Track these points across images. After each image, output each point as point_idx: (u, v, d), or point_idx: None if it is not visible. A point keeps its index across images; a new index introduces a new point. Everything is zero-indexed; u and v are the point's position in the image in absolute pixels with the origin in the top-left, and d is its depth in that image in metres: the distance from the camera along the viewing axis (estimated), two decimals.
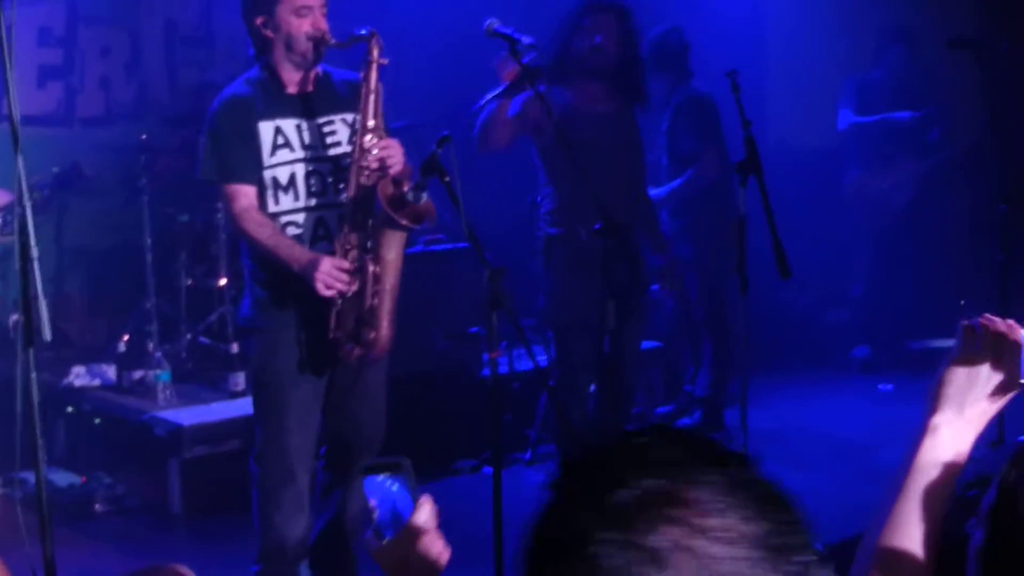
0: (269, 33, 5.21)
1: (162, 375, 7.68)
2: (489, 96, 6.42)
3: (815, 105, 10.53)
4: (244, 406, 7.22)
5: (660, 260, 6.87)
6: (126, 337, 8.43)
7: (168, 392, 7.65)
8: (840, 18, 10.91)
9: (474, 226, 4.86)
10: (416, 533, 2.34)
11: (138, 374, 8.01)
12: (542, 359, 6.64)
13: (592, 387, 6.66)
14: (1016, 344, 2.25)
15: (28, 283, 3.97)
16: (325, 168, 5.23)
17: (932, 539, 2.20)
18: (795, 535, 1.37)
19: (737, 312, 6.45)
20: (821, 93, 10.46)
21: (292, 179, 5.18)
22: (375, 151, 5.05)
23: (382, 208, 5.01)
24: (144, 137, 8.67)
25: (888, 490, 2.26)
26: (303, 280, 5.01)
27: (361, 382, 5.34)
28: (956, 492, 2.28)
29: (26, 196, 3.94)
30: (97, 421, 7.77)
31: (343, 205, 5.13)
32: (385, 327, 5.12)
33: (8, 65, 3.93)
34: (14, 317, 8.57)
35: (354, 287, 5.02)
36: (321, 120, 5.27)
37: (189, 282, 8.63)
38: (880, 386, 9.40)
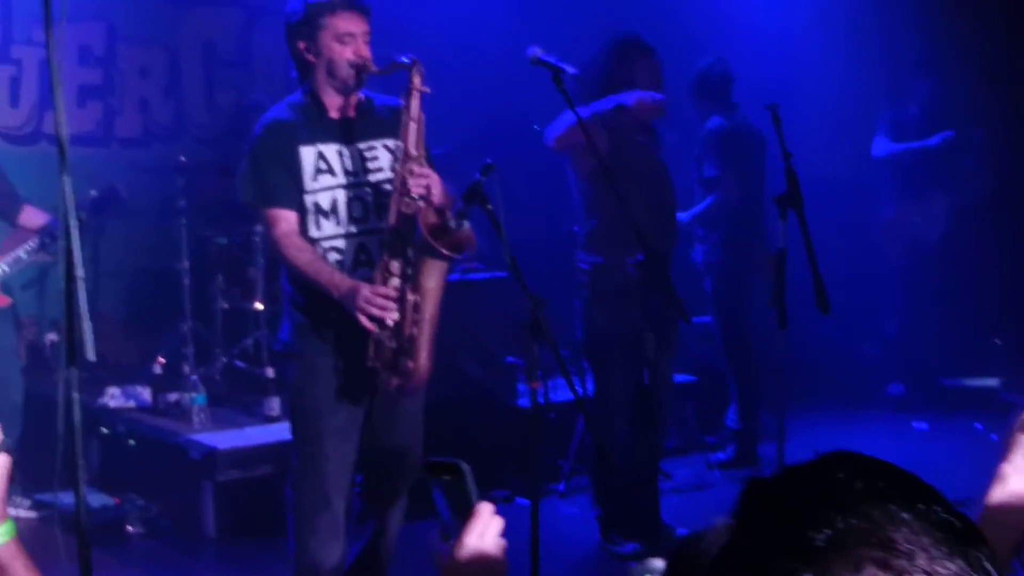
0: (311, 58, 5.22)
1: (197, 398, 7.68)
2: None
3: (848, 138, 10.52)
4: (278, 431, 7.26)
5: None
6: (161, 359, 8.43)
7: (203, 415, 7.65)
8: (873, 51, 10.92)
9: (515, 255, 4.84)
10: (477, 538, 2.32)
11: (173, 396, 8.01)
12: (579, 389, 6.62)
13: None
14: None
15: (73, 303, 3.94)
16: (367, 194, 5.22)
17: None
18: (986, 573, 1.34)
19: (774, 346, 6.42)
20: (854, 126, 10.47)
21: (334, 204, 5.18)
22: (417, 180, 5.03)
23: (423, 237, 4.99)
24: (183, 159, 8.67)
25: None
26: (342, 307, 5.00)
27: (399, 411, 5.32)
28: None
29: (72, 216, 3.92)
30: (132, 443, 7.77)
31: (384, 231, 5.11)
32: (424, 357, 5.09)
33: (57, 86, 3.91)
34: (51, 336, 8.63)
35: (394, 315, 4.99)
36: (363, 146, 5.26)
37: (225, 305, 8.65)
38: (914, 424, 9.36)
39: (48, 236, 7.07)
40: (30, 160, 8.68)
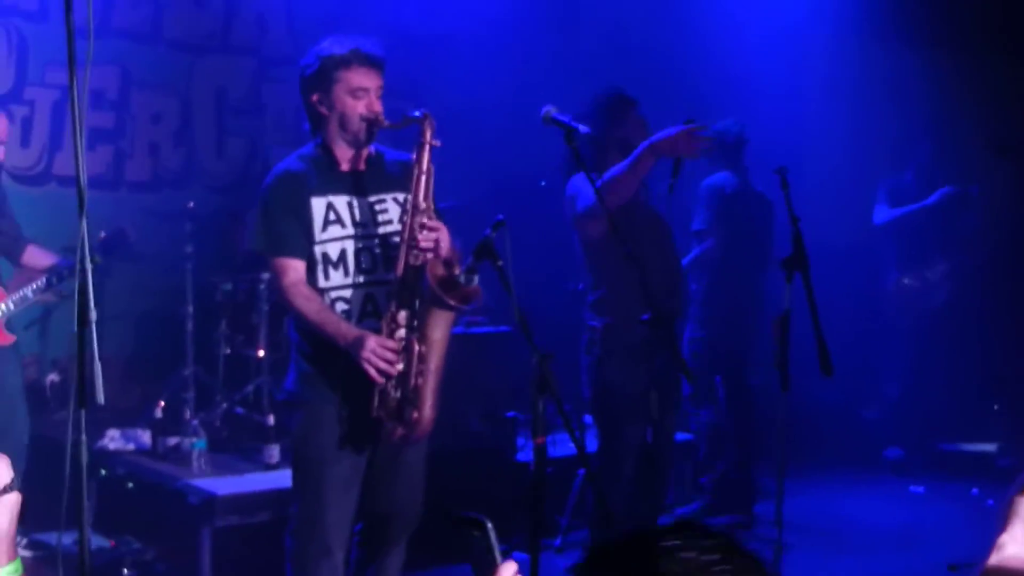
0: (324, 110, 5.28)
1: (198, 443, 7.67)
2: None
3: (852, 205, 10.60)
4: (278, 479, 7.26)
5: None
6: (162, 403, 8.44)
7: (202, 460, 7.65)
8: (879, 119, 11.02)
9: (524, 311, 4.87)
10: None
11: (173, 441, 8.01)
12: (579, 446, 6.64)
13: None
14: None
15: (85, 345, 3.97)
16: (375, 245, 5.26)
17: None
18: None
19: (776, 407, 6.45)
20: (857, 193, 10.55)
21: (343, 255, 5.21)
22: (425, 232, 5.07)
23: (430, 288, 5.03)
24: (191, 205, 8.71)
25: None
26: (349, 356, 5.03)
27: (401, 461, 5.34)
28: None
29: (87, 259, 3.95)
30: (130, 485, 7.77)
31: (392, 283, 5.14)
32: (428, 407, 5.11)
33: (79, 129, 3.95)
34: (52, 377, 8.65)
35: (399, 367, 5.02)
36: (373, 198, 5.30)
37: (228, 351, 8.67)
38: (912, 488, 9.39)
39: (56, 276, 7.09)
40: (39, 201, 8.75)
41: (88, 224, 4.12)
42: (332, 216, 5.21)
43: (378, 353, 4.97)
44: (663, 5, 11.02)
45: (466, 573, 2.42)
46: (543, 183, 9.23)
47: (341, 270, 5.22)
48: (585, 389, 6.65)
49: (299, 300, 5.16)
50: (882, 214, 10.22)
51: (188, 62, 10.20)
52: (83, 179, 4.03)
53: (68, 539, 6.02)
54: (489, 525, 2.44)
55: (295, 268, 5.19)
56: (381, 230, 5.27)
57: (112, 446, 8.02)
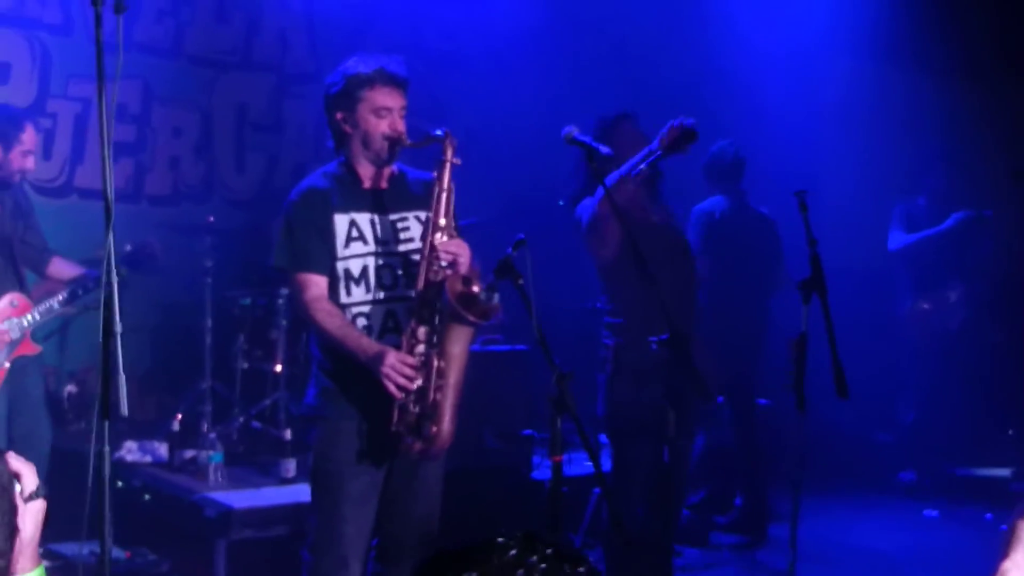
0: (348, 129, 5.32)
1: (214, 456, 7.72)
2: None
3: (867, 229, 10.62)
4: (294, 493, 7.31)
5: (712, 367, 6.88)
6: (179, 416, 8.48)
7: (219, 474, 7.69)
8: (893, 144, 11.05)
9: (543, 329, 4.89)
10: None
11: (190, 453, 8.05)
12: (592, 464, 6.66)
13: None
14: None
15: (109, 357, 4.01)
16: (397, 263, 5.30)
17: None
18: None
19: (791, 429, 6.46)
20: (873, 218, 10.58)
21: (364, 271, 5.26)
22: (446, 249, 5.10)
23: (450, 303, 5.06)
24: (211, 219, 8.76)
25: None
26: (369, 371, 5.06)
27: (419, 477, 5.36)
28: None
29: (113, 271, 4.00)
30: (147, 497, 7.80)
31: (413, 299, 5.19)
32: (447, 422, 5.13)
33: (107, 143, 3.99)
34: (70, 388, 8.69)
35: (418, 382, 5.06)
36: (394, 216, 5.35)
37: (245, 365, 8.70)
38: (925, 511, 9.39)
39: (81, 287, 7.16)
40: (60, 213, 8.81)
41: (110, 237, 4.16)
42: (355, 233, 5.26)
43: (397, 368, 5.01)
44: (680, 26, 11.07)
45: None
46: (560, 202, 9.26)
47: (363, 286, 5.25)
48: (599, 407, 6.68)
49: (320, 315, 5.20)
50: (897, 239, 10.24)
51: (209, 77, 10.27)
52: (110, 192, 4.07)
53: (84, 549, 6.04)
54: None
55: (317, 284, 5.23)
56: (402, 247, 5.31)
57: (129, 458, 8.06)
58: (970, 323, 10.22)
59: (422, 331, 5.12)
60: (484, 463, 7.88)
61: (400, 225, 5.34)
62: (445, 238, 5.12)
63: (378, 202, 5.33)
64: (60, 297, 7.20)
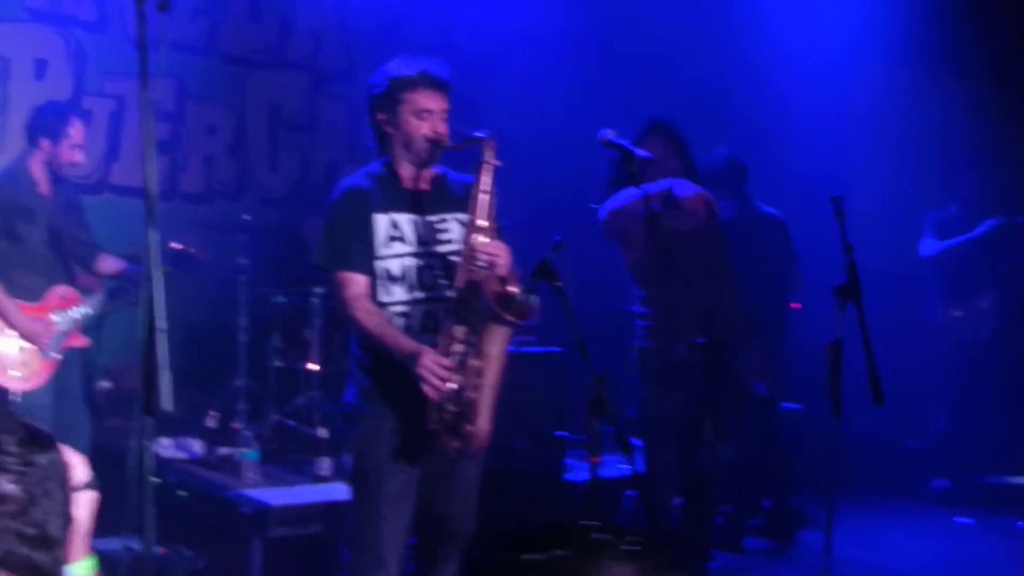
0: (390, 130, 5.34)
1: (250, 453, 7.75)
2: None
3: (898, 236, 10.61)
4: (328, 491, 7.36)
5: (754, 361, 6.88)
6: (214, 413, 8.52)
7: (254, 471, 7.72)
8: (921, 149, 11.04)
9: (581, 332, 4.91)
10: None
11: (225, 451, 8.09)
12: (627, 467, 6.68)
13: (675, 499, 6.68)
14: None
15: (152, 353, 4.04)
16: (436, 263, 5.32)
17: None
18: None
19: (825, 435, 6.46)
20: (899, 223, 10.57)
21: (404, 271, 5.27)
22: (485, 250, 5.12)
23: (488, 303, 5.07)
24: (246, 217, 8.79)
25: None
26: (407, 370, 5.08)
27: (455, 476, 5.36)
28: None
29: (156, 268, 4.03)
30: (182, 494, 7.82)
31: (451, 299, 5.21)
32: (484, 421, 5.13)
33: (149, 141, 4.03)
34: (104, 384, 8.74)
35: (453, 383, 5.07)
36: (435, 217, 5.36)
37: (279, 364, 8.74)
38: (957, 519, 9.37)
39: (130, 282, 7.25)
40: (96, 209, 8.80)
41: (141, 232, 4.19)
42: (395, 233, 5.28)
43: (432, 368, 5.01)
44: (712, 28, 11.07)
45: None
46: (592, 205, 9.27)
47: (402, 286, 5.27)
48: (630, 410, 6.69)
49: (360, 314, 5.22)
50: (929, 246, 10.22)
51: (243, 76, 10.33)
52: (153, 189, 4.09)
53: (115, 544, 6.09)
54: None
55: (357, 282, 5.25)
56: (442, 248, 5.33)
57: (164, 454, 8.09)
58: (1001, 330, 10.19)
59: (459, 331, 5.12)
60: (516, 464, 7.87)
61: (440, 226, 5.36)
62: (485, 239, 5.13)
63: (419, 203, 5.35)
64: (107, 291, 7.32)
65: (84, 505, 2.71)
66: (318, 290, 8.54)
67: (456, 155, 5.44)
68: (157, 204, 4.16)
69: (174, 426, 8.31)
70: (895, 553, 8.53)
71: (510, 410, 7.47)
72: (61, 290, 7.31)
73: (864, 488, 9.49)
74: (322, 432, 8.22)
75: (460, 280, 5.13)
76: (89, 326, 7.58)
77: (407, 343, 5.14)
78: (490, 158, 5.17)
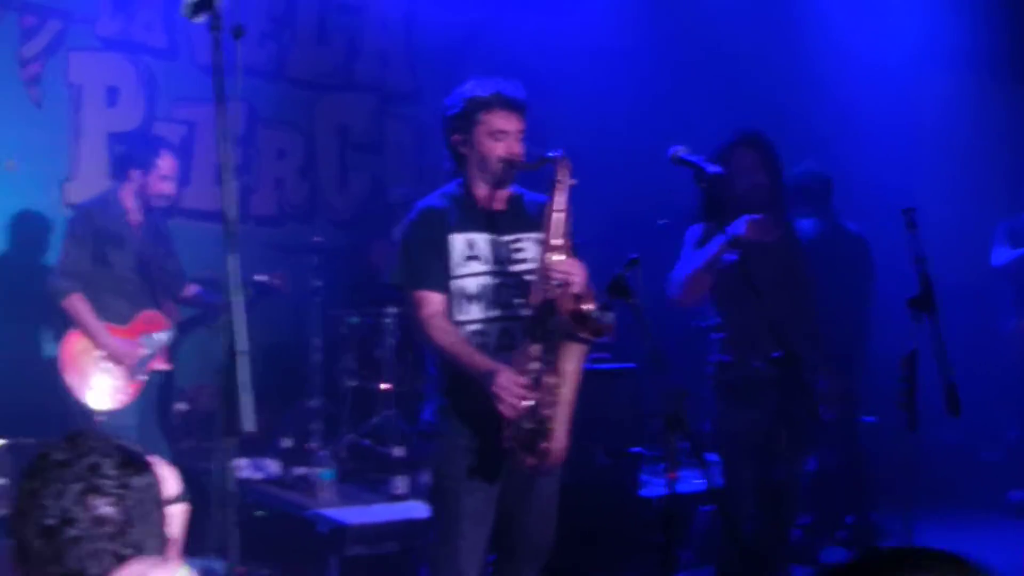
0: (465, 150, 5.37)
1: (326, 473, 7.80)
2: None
3: (965, 244, 10.55)
4: (405, 510, 7.41)
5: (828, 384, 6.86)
6: (290, 434, 8.59)
7: (331, 490, 7.77)
8: (991, 158, 10.98)
9: (659, 347, 4.91)
10: None
11: (301, 470, 8.14)
12: (702, 482, 6.68)
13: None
14: None
15: (233, 375, 4.08)
16: (512, 282, 5.33)
17: None
18: None
19: (901, 448, 6.44)
20: (971, 232, 10.51)
21: (480, 290, 5.30)
22: (560, 268, 5.14)
23: (563, 321, 5.09)
24: (318, 239, 8.86)
25: None
26: (482, 388, 5.11)
27: (534, 492, 5.38)
28: None
29: (236, 291, 4.07)
30: (259, 513, 7.88)
31: (526, 318, 5.23)
32: (559, 438, 5.13)
33: (227, 166, 4.07)
34: (180, 406, 8.83)
35: (529, 401, 5.09)
36: (510, 237, 5.39)
37: (353, 384, 8.79)
38: None
39: (206, 308, 7.46)
40: None
41: (213, 256, 4.24)
42: (471, 252, 5.31)
43: (508, 387, 5.03)
44: (778, 41, 11.06)
45: None
46: (661, 222, 9.27)
47: (478, 304, 5.30)
48: (706, 424, 6.68)
49: (436, 332, 5.25)
50: (1001, 255, 10.14)
51: (311, 99, 10.43)
52: (232, 213, 4.13)
53: (196, 565, 6.12)
54: None
55: (433, 301, 5.28)
56: (517, 268, 5.35)
57: (241, 475, 8.16)
58: None
59: (535, 349, 5.14)
60: (592, 480, 7.88)
61: (515, 246, 5.38)
62: (560, 257, 5.15)
63: (494, 223, 5.38)
64: (194, 316, 7.52)
65: (175, 517, 2.76)
66: (391, 310, 8.60)
67: (532, 174, 5.47)
68: (236, 228, 4.17)
69: (251, 447, 8.38)
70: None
71: (586, 426, 7.51)
72: (148, 314, 7.51)
73: (941, 500, 9.43)
74: (397, 451, 8.27)
75: (535, 298, 5.15)
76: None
77: (483, 361, 5.16)
78: (564, 177, 5.19)
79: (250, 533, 7.69)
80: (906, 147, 11.04)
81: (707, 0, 11.23)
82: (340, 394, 8.81)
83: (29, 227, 8.86)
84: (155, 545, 2.45)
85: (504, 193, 5.42)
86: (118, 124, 9.40)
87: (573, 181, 5.20)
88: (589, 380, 6.46)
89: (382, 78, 10.76)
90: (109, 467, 2.39)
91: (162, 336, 7.50)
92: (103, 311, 7.37)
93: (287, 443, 8.60)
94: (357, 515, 7.47)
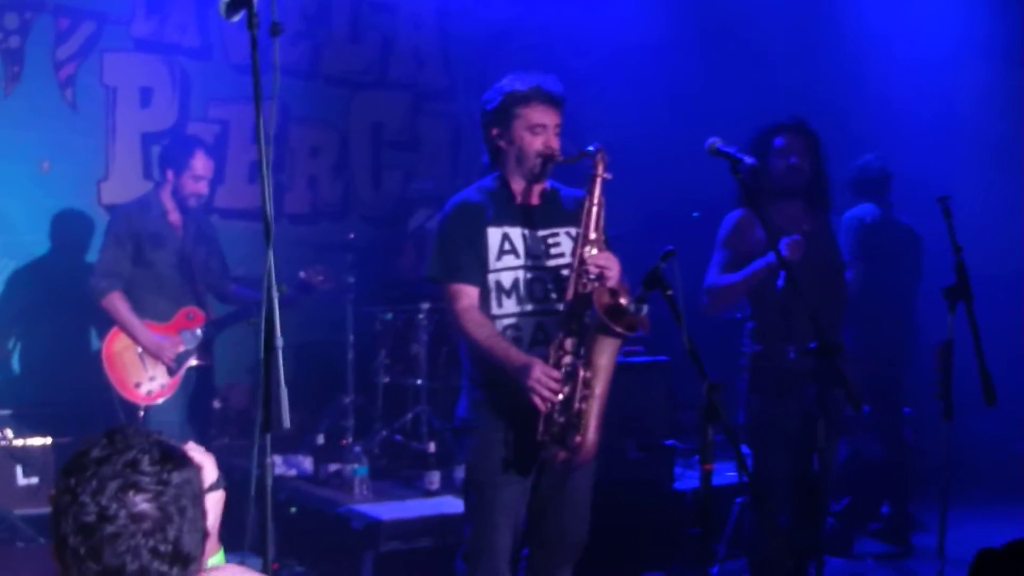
0: (503, 145, 5.38)
1: (360, 470, 7.81)
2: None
3: (1001, 234, 10.52)
4: (438, 505, 7.43)
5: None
6: (324, 430, 8.61)
7: (364, 487, 7.78)
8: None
9: (694, 340, 4.91)
10: None
11: (334, 467, 8.15)
12: (735, 475, 6.68)
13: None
14: None
15: (270, 371, 4.10)
16: (547, 277, 5.35)
17: None
18: None
19: (937, 438, 6.43)
20: (1008, 222, 10.48)
21: (515, 284, 5.31)
22: (595, 262, 5.15)
23: (597, 315, 5.09)
24: (352, 236, 8.88)
25: None
26: (516, 382, 5.12)
27: (568, 487, 5.39)
28: None
29: (274, 288, 4.09)
30: (293, 510, 7.91)
31: (561, 311, 5.24)
32: (592, 432, 5.13)
33: (265, 164, 4.09)
34: (214, 403, 8.87)
35: (562, 395, 5.10)
36: (545, 232, 5.40)
37: (387, 380, 8.80)
38: None
39: (245, 305, 7.50)
40: None
41: (248, 253, 4.26)
42: (507, 246, 5.32)
43: (542, 381, 5.05)
44: (814, 33, 11.05)
45: None
46: (695, 214, 9.27)
47: (513, 299, 5.31)
48: (739, 416, 6.67)
49: (470, 325, 5.26)
50: None
51: (345, 97, 10.45)
52: (270, 211, 4.15)
53: (231, 561, 6.14)
54: None
55: (468, 294, 5.30)
56: (552, 262, 5.36)
57: (275, 471, 8.15)
58: None
59: (569, 342, 5.16)
60: (626, 474, 7.88)
61: (551, 240, 5.39)
62: (595, 251, 5.17)
63: (530, 217, 5.40)
64: (233, 313, 7.72)
65: (212, 505, 2.78)
66: (424, 306, 8.62)
67: (566, 169, 5.48)
68: (273, 225, 4.19)
69: (284, 443, 8.40)
70: None
71: (620, 420, 7.52)
72: (189, 311, 7.58)
73: (978, 490, 9.41)
74: (431, 447, 8.27)
75: (570, 292, 5.17)
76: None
77: (517, 355, 5.17)
78: (601, 171, 5.21)
79: (284, 530, 7.77)
80: (942, 139, 11.00)
81: None
82: (374, 390, 8.82)
83: (68, 227, 8.93)
84: (194, 541, 2.46)
85: (539, 187, 5.43)
86: (152, 124, 9.45)
87: (609, 175, 5.22)
88: (622, 373, 6.48)
89: (416, 75, 10.78)
90: (147, 463, 2.40)
91: (199, 333, 7.55)
92: (145, 309, 7.47)
93: (320, 440, 8.61)
94: (391, 511, 7.48)
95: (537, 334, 5.30)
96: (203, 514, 2.55)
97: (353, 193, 10.45)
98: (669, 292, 4.95)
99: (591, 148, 5.21)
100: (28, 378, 8.86)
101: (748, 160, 5.62)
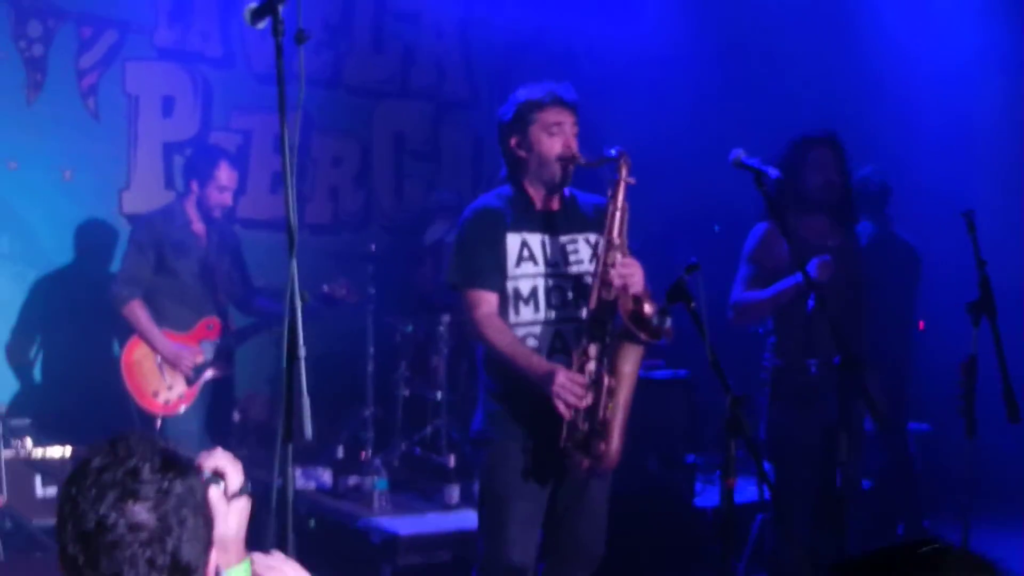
0: (523, 153, 5.36)
1: (379, 483, 7.78)
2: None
3: (1020, 249, 10.46)
4: (458, 519, 7.40)
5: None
6: (343, 443, 8.60)
7: (383, 500, 7.75)
8: None
9: (717, 353, 4.88)
10: None
11: (353, 480, 8.13)
12: (756, 491, 6.65)
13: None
14: None
15: (292, 380, 4.09)
16: (566, 284, 5.33)
17: None
18: None
19: (960, 455, 6.38)
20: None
21: (534, 291, 5.29)
22: (618, 268, 5.12)
23: (622, 322, 5.07)
24: (372, 247, 8.86)
25: None
26: (536, 390, 5.09)
27: (585, 498, 5.36)
28: None
29: (297, 297, 4.08)
30: (312, 523, 7.89)
31: (581, 321, 5.21)
32: (616, 440, 5.12)
33: (289, 174, 4.07)
34: (233, 414, 8.85)
35: (588, 401, 5.07)
36: (565, 238, 5.38)
37: (407, 392, 8.77)
38: None
39: (267, 316, 7.50)
40: None
41: (269, 263, 4.24)
42: (526, 253, 5.30)
43: (567, 387, 5.02)
44: (835, 44, 11.02)
45: None
46: (716, 228, 9.24)
47: (532, 306, 5.29)
48: (760, 430, 6.64)
49: (491, 332, 5.24)
50: None
51: (368, 107, 10.44)
52: (294, 220, 4.14)
53: None
54: None
55: (488, 301, 5.28)
56: (572, 269, 5.34)
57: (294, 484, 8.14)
58: None
59: (593, 349, 5.13)
60: (646, 488, 7.85)
61: (570, 247, 5.37)
62: (618, 256, 5.14)
63: (549, 223, 5.38)
64: (255, 324, 7.70)
65: (237, 513, 2.77)
66: (445, 318, 8.60)
67: (585, 176, 5.46)
68: (296, 235, 4.18)
69: (303, 456, 8.37)
70: None
71: (639, 434, 7.47)
72: (209, 320, 7.60)
73: (1000, 507, 9.34)
74: (450, 460, 8.25)
75: (594, 298, 5.14)
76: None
77: (540, 362, 5.15)
78: (624, 175, 5.19)
79: (302, 543, 7.69)
80: (962, 151, 10.96)
81: (762, 4, 11.18)
82: (393, 403, 8.79)
83: (89, 237, 8.93)
84: (194, 551, 2.44)
85: (559, 193, 5.42)
86: (174, 134, 9.45)
87: (633, 180, 5.19)
88: (643, 388, 6.48)
89: (438, 86, 10.76)
90: (148, 472, 2.39)
91: (218, 343, 7.54)
92: (166, 318, 7.50)
93: (340, 452, 8.59)
94: (410, 525, 7.47)
95: (555, 342, 5.28)
96: (208, 523, 2.53)
97: (375, 203, 10.44)
98: (692, 304, 4.92)
99: (613, 152, 5.20)
100: (49, 387, 8.85)
101: (773, 173, 5.59)
